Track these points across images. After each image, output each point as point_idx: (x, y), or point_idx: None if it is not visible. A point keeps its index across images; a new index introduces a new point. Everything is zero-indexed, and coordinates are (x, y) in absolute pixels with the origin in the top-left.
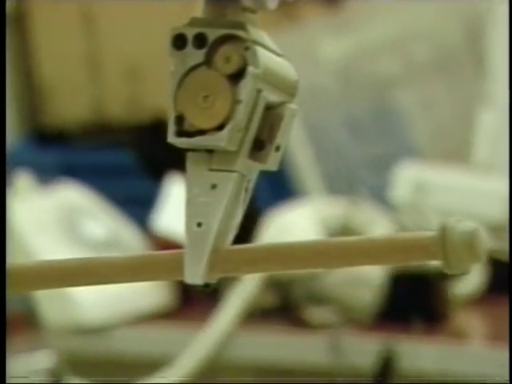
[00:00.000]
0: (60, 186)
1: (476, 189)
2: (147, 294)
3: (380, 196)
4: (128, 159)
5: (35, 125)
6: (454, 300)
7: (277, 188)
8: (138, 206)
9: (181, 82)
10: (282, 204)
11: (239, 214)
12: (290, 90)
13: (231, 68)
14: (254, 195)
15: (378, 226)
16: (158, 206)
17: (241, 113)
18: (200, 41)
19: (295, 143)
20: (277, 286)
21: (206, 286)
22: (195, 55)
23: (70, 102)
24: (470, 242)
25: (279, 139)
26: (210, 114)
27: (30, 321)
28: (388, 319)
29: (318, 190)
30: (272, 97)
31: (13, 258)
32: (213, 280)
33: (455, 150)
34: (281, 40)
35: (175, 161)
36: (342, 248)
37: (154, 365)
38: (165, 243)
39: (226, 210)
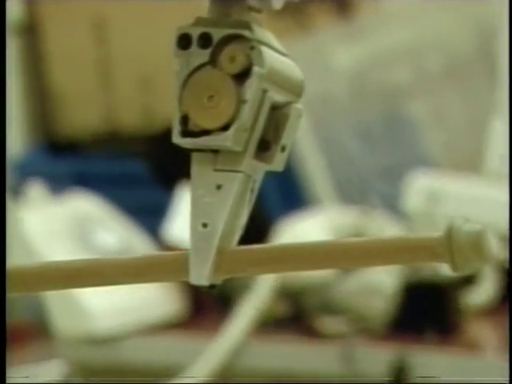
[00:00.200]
0: (72, 196)
1: (488, 198)
2: (158, 303)
3: (392, 205)
4: (140, 168)
5: (47, 134)
6: (467, 310)
7: (288, 197)
8: (149, 215)
9: (185, 82)
10: (293, 213)
11: (245, 214)
12: (295, 89)
13: (236, 68)
14: (266, 204)
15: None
16: (169, 216)
17: (246, 113)
18: (205, 40)
19: (307, 152)
20: (289, 295)
21: (212, 286)
22: (200, 55)
23: (83, 111)
24: (476, 243)
25: (285, 139)
26: (215, 114)
27: (42, 331)
28: (401, 329)
29: (330, 199)
30: (277, 97)
31: None
32: (218, 281)
33: (467, 160)
34: (293, 48)
35: (187, 170)
36: (348, 249)
37: (165, 374)
38: None
39: (232, 210)
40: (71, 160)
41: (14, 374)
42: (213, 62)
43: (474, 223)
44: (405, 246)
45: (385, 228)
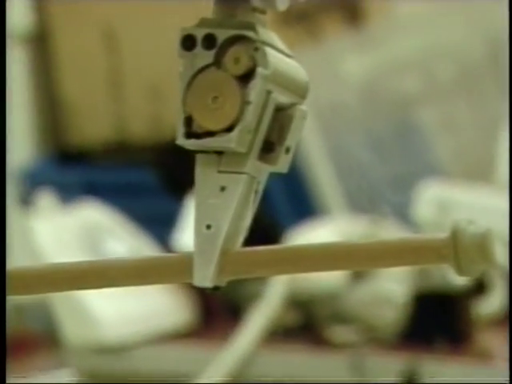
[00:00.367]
0: (82, 205)
1: (499, 207)
2: (168, 312)
3: (402, 214)
4: (150, 178)
5: (57, 144)
6: (478, 320)
7: (299, 206)
8: (159, 224)
9: (190, 83)
10: (303, 222)
11: (249, 216)
12: (299, 91)
13: (240, 69)
14: (276, 213)
15: None
16: (178, 225)
17: (250, 114)
18: (209, 41)
19: (317, 160)
20: (299, 304)
21: (216, 288)
22: (204, 56)
23: (92, 121)
24: (481, 245)
25: (289, 141)
26: (219, 115)
27: (51, 340)
28: (411, 338)
29: (340, 208)
30: (282, 98)
31: None
32: (222, 283)
33: (478, 168)
34: (303, 57)
35: None
36: (353, 250)
37: None
38: None
39: (236, 212)
40: (81, 169)
41: (23, 383)
42: (217, 63)
43: (479, 225)
44: (410, 248)
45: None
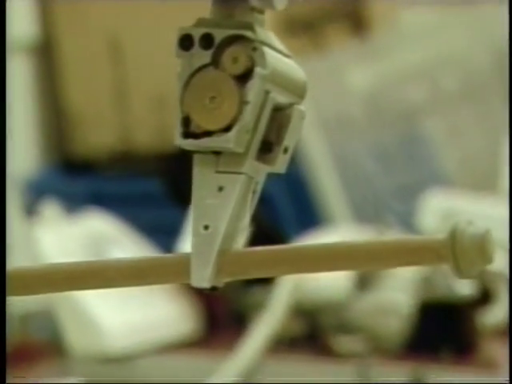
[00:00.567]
0: (87, 215)
1: (504, 217)
2: (173, 322)
3: (408, 224)
4: (155, 187)
5: (62, 153)
6: (484, 329)
7: (304, 216)
8: (164, 234)
9: (187, 83)
10: (308, 232)
11: (247, 216)
12: (298, 91)
13: (239, 69)
14: (281, 223)
15: None
16: (184, 234)
17: (248, 114)
18: (207, 41)
19: (322, 170)
20: (304, 313)
21: (213, 289)
22: (202, 56)
23: (98, 131)
24: (480, 245)
25: (287, 141)
26: (217, 115)
27: (56, 349)
28: (416, 348)
29: (345, 218)
30: (280, 98)
31: None
32: (220, 283)
33: (483, 178)
34: (308, 68)
35: None
36: (352, 250)
37: None
38: None
39: (234, 212)
40: (86, 179)
41: None
42: (215, 62)
43: (478, 226)
44: (409, 248)
45: None
